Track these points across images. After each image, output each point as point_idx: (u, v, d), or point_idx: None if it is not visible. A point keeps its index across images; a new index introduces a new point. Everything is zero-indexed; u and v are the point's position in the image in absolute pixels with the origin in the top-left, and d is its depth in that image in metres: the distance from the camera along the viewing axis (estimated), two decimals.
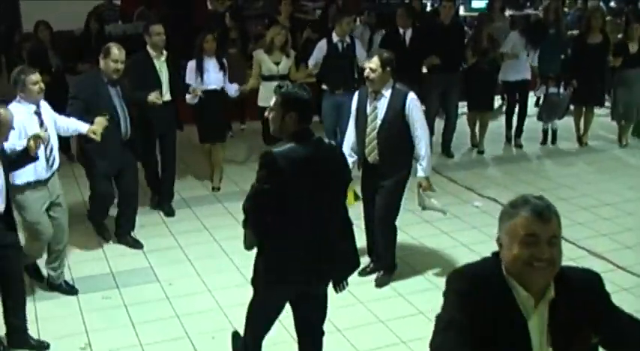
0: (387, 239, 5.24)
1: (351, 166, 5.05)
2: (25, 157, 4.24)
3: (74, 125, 5.15)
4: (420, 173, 5.01)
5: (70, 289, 5.14)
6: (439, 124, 8.59)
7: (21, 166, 4.34)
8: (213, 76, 6.83)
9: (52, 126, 4.88)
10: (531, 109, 9.28)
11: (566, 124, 9.05)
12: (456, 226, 6.29)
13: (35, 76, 4.68)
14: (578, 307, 2.11)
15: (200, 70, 6.74)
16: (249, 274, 5.07)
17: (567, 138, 9.07)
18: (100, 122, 5.16)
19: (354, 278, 3.97)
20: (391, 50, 7.50)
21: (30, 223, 4.70)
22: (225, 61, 6.98)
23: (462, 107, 8.70)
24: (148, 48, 6.26)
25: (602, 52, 8.46)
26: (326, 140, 3.59)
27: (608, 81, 8.85)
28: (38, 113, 4.75)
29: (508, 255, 2.09)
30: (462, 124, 8.78)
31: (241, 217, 6.25)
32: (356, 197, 5.18)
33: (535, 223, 2.05)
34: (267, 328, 3.73)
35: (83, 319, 4.79)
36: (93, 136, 5.10)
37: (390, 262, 5.31)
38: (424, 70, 8.27)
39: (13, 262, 4.19)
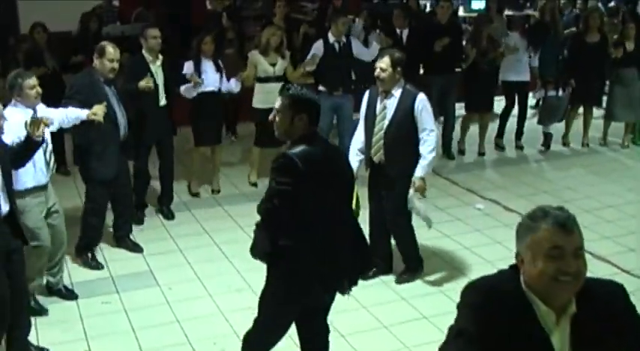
0: (406, 242, 5.21)
1: (358, 165, 5.08)
2: (29, 144, 4.11)
3: (73, 113, 5.03)
4: (418, 172, 4.93)
5: (69, 294, 5.08)
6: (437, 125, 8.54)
7: (27, 156, 4.21)
8: (212, 78, 6.75)
9: (49, 130, 4.75)
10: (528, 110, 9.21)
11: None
12: (458, 228, 6.24)
13: (32, 80, 4.58)
14: (601, 321, 2.03)
15: (198, 71, 6.66)
16: (250, 277, 5.08)
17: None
18: (99, 107, 5.06)
19: None
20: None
21: (32, 229, 4.61)
22: (220, 62, 6.90)
23: (459, 109, 8.63)
24: (144, 52, 6.17)
25: (600, 51, 8.43)
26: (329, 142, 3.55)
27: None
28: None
29: (532, 271, 2.01)
30: None
31: (241, 219, 6.36)
32: (357, 205, 5.16)
33: (559, 235, 1.97)
34: (276, 342, 3.61)
35: (83, 324, 4.74)
36: (94, 117, 5.01)
37: (414, 264, 5.31)
38: (421, 70, 8.24)
39: (18, 267, 4.11)
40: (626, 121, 8.80)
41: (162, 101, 6.24)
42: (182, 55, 6.97)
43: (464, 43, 8.43)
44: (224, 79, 6.85)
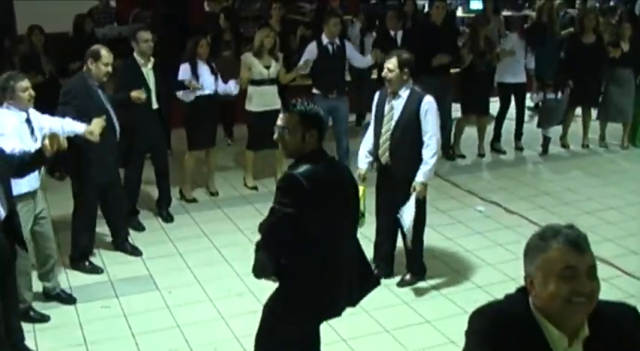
0: (416, 249, 5.17)
1: (367, 167, 5.09)
2: (39, 158, 4.05)
3: (70, 126, 4.94)
4: (418, 177, 4.89)
5: (68, 298, 5.02)
6: None
7: (32, 169, 4.16)
8: (208, 81, 6.68)
9: (41, 134, 4.62)
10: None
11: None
12: (459, 231, 6.21)
13: (25, 83, 4.51)
14: (614, 344, 1.97)
15: (195, 74, 6.57)
16: (251, 281, 5.01)
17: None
18: (98, 123, 4.98)
19: None
20: (384, 52, 7.57)
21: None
22: (214, 65, 6.81)
23: (455, 110, 8.57)
24: (136, 55, 6.07)
25: (596, 52, 8.40)
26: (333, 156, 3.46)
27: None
28: (29, 121, 4.58)
29: (543, 293, 1.93)
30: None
31: (241, 222, 6.32)
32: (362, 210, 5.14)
33: (571, 255, 1.89)
34: None
35: (82, 329, 4.68)
36: (90, 136, 4.91)
37: (417, 268, 5.28)
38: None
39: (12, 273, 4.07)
40: (621, 121, 8.76)
41: (155, 105, 6.14)
42: (179, 56, 6.88)
43: (460, 44, 8.37)
44: (219, 81, 6.77)
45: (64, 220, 5.86)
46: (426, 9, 12.10)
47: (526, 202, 6.91)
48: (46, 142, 3.96)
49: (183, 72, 6.58)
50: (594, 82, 8.53)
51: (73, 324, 4.75)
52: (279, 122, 3.20)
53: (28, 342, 4.35)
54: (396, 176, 5.00)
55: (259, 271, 3.33)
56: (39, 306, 4.87)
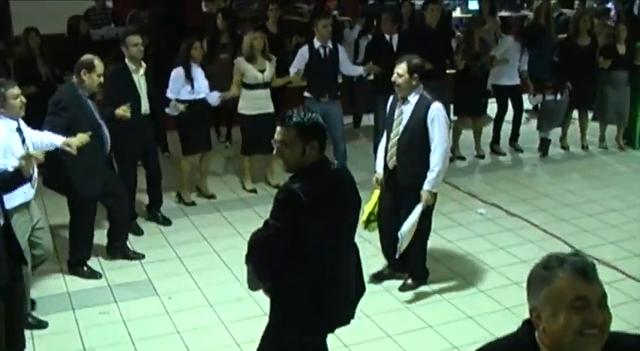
0: (414, 253, 5.12)
1: (379, 169, 5.11)
2: (18, 178, 3.98)
3: (48, 138, 4.81)
4: (425, 185, 4.85)
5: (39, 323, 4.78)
6: None
7: (13, 188, 4.06)
8: (202, 84, 6.59)
9: (31, 144, 4.55)
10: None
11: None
12: (460, 234, 6.16)
13: (16, 90, 4.39)
14: None
15: (189, 78, 6.49)
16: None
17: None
18: (81, 138, 4.85)
19: None
20: (379, 56, 7.52)
21: None
22: (206, 69, 6.73)
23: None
24: (126, 60, 5.97)
25: (591, 54, 8.37)
26: (336, 162, 3.25)
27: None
28: (19, 130, 4.48)
29: (553, 326, 1.81)
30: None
31: (240, 226, 6.27)
32: (368, 222, 5.15)
33: (580, 284, 1.78)
34: None
35: (80, 335, 4.63)
36: (67, 148, 4.76)
37: (419, 273, 5.24)
38: None
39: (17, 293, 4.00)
40: (617, 123, 8.73)
41: (146, 110, 6.04)
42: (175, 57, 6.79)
43: (455, 45, 8.32)
44: (207, 87, 6.68)
45: (63, 226, 5.82)
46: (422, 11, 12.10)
47: (527, 205, 6.87)
48: (22, 162, 3.91)
49: (176, 76, 6.48)
50: (590, 84, 8.49)
51: (72, 330, 4.70)
52: (276, 136, 3.04)
53: (27, 349, 4.29)
54: (401, 181, 4.97)
55: (252, 284, 3.22)
56: (36, 312, 4.81)
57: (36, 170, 4.45)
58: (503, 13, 12.66)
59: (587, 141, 8.83)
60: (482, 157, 8.47)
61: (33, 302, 4.85)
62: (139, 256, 5.73)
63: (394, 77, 4.87)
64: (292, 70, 7.29)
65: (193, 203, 6.93)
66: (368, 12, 12.00)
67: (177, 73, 6.48)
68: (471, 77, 8.02)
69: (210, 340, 4.53)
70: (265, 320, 3.36)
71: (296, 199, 2.87)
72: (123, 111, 5.64)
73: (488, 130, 8.75)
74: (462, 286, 5.27)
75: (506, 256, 5.75)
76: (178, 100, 6.48)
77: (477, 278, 5.38)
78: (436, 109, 4.79)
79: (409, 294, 5.15)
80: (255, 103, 6.97)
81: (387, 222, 5.13)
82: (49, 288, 5.22)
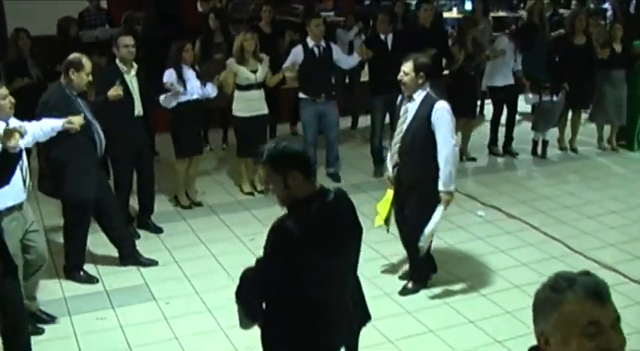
0: (416, 253, 5.07)
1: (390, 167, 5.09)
2: (6, 157, 3.81)
3: (47, 125, 4.76)
4: (439, 187, 4.82)
5: (48, 318, 4.79)
6: None
7: (6, 171, 3.89)
8: (195, 86, 6.52)
9: (23, 142, 4.28)
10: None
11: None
12: (460, 237, 6.12)
13: (3, 90, 4.30)
14: None
15: (182, 80, 6.40)
16: None
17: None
18: (77, 118, 4.83)
19: None
20: (374, 56, 7.45)
21: None
22: (198, 69, 6.66)
23: None
24: (118, 61, 5.90)
25: (588, 53, 8.34)
26: (334, 188, 2.91)
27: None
28: None
29: None
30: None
31: (238, 229, 6.23)
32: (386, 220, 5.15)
33: (593, 308, 1.66)
34: None
35: (77, 342, 4.57)
36: (70, 125, 4.77)
37: (420, 276, 5.21)
38: None
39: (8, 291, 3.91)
40: (618, 123, 8.69)
41: (139, 112, 5.96)
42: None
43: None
44: (201, 86, 6.59)
45: (58, 230, 5.75)
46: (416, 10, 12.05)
47: (526, 207, 6.83)
48: (2, 139, 3.74)
49: (168, 77, 6.39)
50: (586, 83, 8.45)
51: (68, 336, 4.63)
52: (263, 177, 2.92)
53: None
54: (404, 180, 4.96)
55: (243, 323, 2.92)
56: (32, 318, 4.72)
57: (28, 174, 4.39)
58: (500, 14, 12.63)
59: (577, 141, 8.76)
60: (474, 159, 8.36)
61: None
62: (152, 263, 5.63)
63: (400, 75, 4.84)
64: (286, 65, 7.22)
65: (190, 206, 6.85)
66: (364, 13, 11.97)
67: (170, 74, 6.41)
68: (464, 78, 7.96)
69: (209, 346, 4.48)
70: None
71: (288, 236, 2.66)
72: (114, 90, 5.60)
73: (485, 133, 8.72)
74: (463, 289, 5.22)
75: (506, 258, 5.71)
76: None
77: (477, 282, 5.33)
78: (440, 107, 4.74)
79: (409, 298, 5.10)
80: (249, 104, 6.91)
81: (403, 219, 5.14)
82: (45, 293, 5.13)
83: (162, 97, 6.37)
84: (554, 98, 8.29)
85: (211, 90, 6.66)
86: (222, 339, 4.56)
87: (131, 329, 4.71)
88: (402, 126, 4.90)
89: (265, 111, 7.04)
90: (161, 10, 9.92)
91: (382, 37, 7.63)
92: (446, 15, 12.86)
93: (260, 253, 2.78)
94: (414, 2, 11.32)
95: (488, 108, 8.67)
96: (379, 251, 5.66)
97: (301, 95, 7.33)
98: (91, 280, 5.37)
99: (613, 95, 8.48)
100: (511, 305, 4.85)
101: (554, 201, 7.00)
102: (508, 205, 6.87)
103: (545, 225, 6.36)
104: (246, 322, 2.90)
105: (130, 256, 5.62)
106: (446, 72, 8.21)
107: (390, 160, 5.09)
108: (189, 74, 6.50)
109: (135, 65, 5.95)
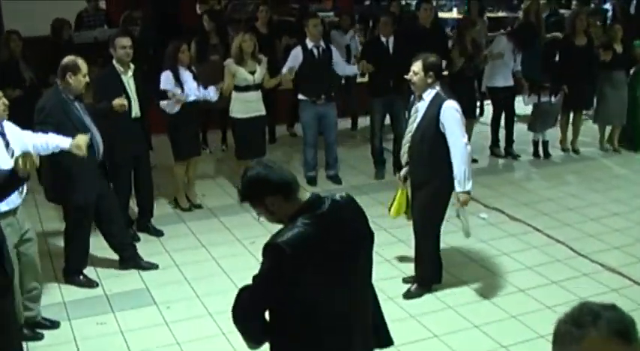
0: (423, 252, 5.06)
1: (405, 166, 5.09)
2: (14, 179, 3.72)
3: (54, 141, 4.66)
4: (456, 187, 4.81)
5: (52, 324, 4.73)
6: None
7: (10, 191, 3.83)
8: (192, 87, 6.45)
9: (19, 148, 4.29)
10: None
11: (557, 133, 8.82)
12: (463, 240, 5.98)
13: None
14: None
15: (179, 82, 6.33)
16: None
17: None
18: (83, 138, 4.70)
19: None
20: (375, 58, 7.39)
21: None
22: (195, 70, 6.60)
23: None
24: (114, 62, 5.83)
25: (589, 54, 8.30)
26: (339, 195, 2.72)
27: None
28: (2, 134, 4.28)
29: None
30: None
31: (239, 232, 6.17)
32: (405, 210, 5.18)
33: (617, 348, 1.54)
34: None
35: (77, 347, 4.51)
36: (77, 151, 4.64)
37: (425, 280, 5.16)
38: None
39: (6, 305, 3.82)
40: (619, 124, 8.65)
41: (136, 113, 5.89)
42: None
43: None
44: (200, 87, 6.53)
45: (58, 233, 5.69)
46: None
47: (529, 209, 6.78)
48: (20, 161, 3.61)
49: (166, 79, 6.32)
50: (587, 84, 8.41)
51: (68, 342, 4.57)
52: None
53: None
54: (413, 179, 4.97)
55: (248, 343, 2.81)
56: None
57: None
58: (500, 14, 12.60)
59: (578, 142, 8.73)
60: (475, 161, 8.29)
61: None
62: (152, 266, 5.58)
63: (410, 75, 4.82)
64: (285, 70, 7.15)
65: (190, 209, 6.79)
66: (364, 13, 11.92)
67: (167, 76, 6.33)
68: (463, 78, 7.91)
69: None
70: None
71: (280, 253, 2.52)
72: (120, 101, 5.54)
73: (486, 134, 8.66)
74: (467, 293, 5.17)
75: (510, 262, 5.66)
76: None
77: (482, 285, 5.28)
78: (449, 107, 4.70)
79: (413, 302, 5.05)
80: (246, 105, 6.85)
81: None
82: (44, 297, 5.04)
83: (164, 103, 6.31)
84: (553, 99, 8.25)
85: (213, 94, 6.60)
86: (224, 344, 4.49)
87: (131, 334, 4.65)
88: (413, 125, 4.88)
89: (263, 112, 6.99)
90: (160, 10, 9.87)
91: (383, 39, 7.57)
92: (446, 16, 12.82)
93: (260, 255, 2.72)
94: (413, 2, 11.30)
95: (488, 109, 8.59)
96: (382, 255, 5.59)
97: (300, 97, 7.27)
98: (90, 284, 5.30)
99: (614, 96, 8.44)
100: (516, 309, 4.78)
101: (556, 203, 6.95)
102: (510, 207, 6.82)
103: (549, 227, 6.31)
104: (248, 341, 2.81)
105: (130, 260, 5.56)
106: (445, 73, 8.14)
107: (402, 158, 5.08)
108: (186, 76, 6.43)
109: (132, 66, 5.89)
